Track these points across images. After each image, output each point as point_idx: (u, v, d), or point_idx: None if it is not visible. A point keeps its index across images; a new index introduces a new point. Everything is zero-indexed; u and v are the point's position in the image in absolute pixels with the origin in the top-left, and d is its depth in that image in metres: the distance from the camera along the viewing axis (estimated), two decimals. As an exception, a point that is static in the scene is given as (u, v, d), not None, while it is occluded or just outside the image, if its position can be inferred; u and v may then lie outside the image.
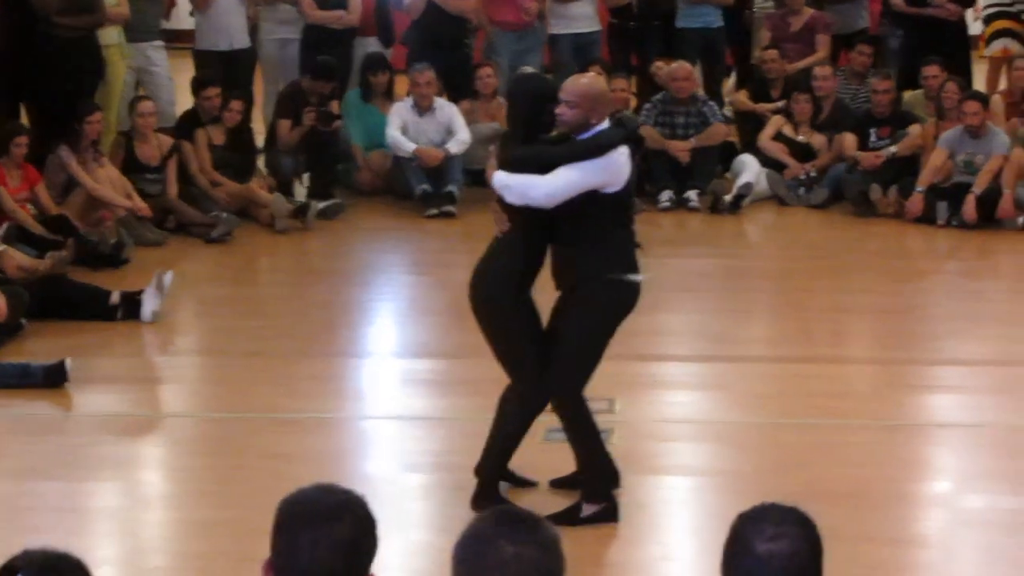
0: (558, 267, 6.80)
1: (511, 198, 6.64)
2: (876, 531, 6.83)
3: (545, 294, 6.87)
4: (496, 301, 6.77)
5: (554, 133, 6.76)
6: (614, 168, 6.57)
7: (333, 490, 3.31)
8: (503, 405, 6.99)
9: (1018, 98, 13.07)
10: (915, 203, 12.36)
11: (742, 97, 14.18)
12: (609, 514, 6.87)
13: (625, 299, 6.76)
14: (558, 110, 6.60)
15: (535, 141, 6.73)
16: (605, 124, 6.63)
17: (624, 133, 6.65)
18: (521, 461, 7.06)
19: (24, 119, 12.26)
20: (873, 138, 12.94)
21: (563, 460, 7.05)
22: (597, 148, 6.53)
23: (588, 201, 6.58)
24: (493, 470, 6.98)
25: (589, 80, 6.82)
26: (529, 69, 13.10)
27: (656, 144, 13.03)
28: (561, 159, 6.57)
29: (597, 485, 6.89)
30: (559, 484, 7.15)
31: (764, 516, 3.27)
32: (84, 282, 10.23)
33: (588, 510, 6.84)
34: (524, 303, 6.80)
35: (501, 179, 6.62)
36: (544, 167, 6.58)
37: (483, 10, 14.03)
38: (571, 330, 6.72)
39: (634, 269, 6.75)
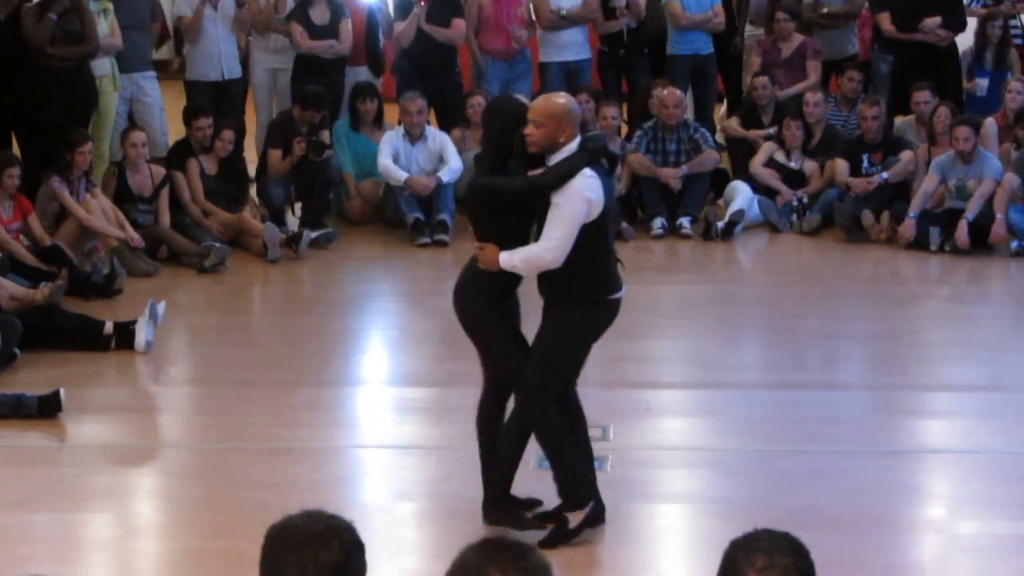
0: (540, 287, 6.81)
1: (525, 273, 6.70)
2: (869, 558, 6.81)
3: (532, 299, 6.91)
4: (478, 310, 6.80)
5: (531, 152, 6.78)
6: (585, 193, 6.56)
7: (320, 516, 3.32)
8: (483, 422, 6.99)
9: (1010, 122, 13.09)
10: (907, 229, 12.37)
11: (733, 123, 14.19)
12: (596, 517, 6.88)
13: (602, 317, 6.79)
14: (526, 130, 6.63)
15: (506, 164, 6.75)
16: (575, 143, 6.65)
17: (586, 157, 6.63)
18: (515, 488, 7.04)
19: (16, 149, 12.28)
20: (866, 164, 12.95)
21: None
22: (557, 179, 6.55)
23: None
24: (499, 481, 6.95)
25: (555, 99, 6.81)
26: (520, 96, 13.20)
27: (647, 172, 13.05)
28: (520, 193, 6.66)
29: (575, 492, 6.88)
30: (544, 518, 7.11)
31: (756, 545, 3.26)
32: (77, 312, 10.23)
33: (574, 520, 6.84)
34: (508, 308, 6.85)
35: (508, 262, 6.62)
36: (502, 200, 6.66)
37: (473, 38, 14.06)
38: (543, 343, 6.75)
39: (614, 288, 6.77)
